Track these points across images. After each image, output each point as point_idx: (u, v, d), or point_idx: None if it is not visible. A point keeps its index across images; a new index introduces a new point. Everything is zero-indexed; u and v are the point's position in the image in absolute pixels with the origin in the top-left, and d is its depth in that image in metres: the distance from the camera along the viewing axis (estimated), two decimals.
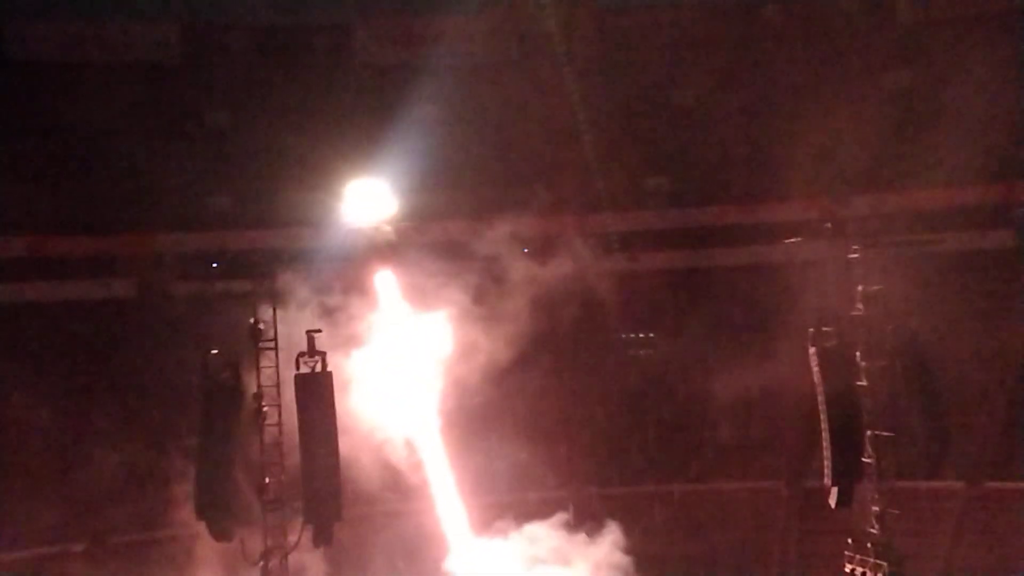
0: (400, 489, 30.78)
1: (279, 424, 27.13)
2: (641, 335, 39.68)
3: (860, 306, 28.45)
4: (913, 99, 41.99)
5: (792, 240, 35.40)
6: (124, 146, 40.67)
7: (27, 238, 38.48)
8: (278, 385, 27.13)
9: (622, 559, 31.78)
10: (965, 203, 40.33)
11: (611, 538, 31.99)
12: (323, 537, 26.77)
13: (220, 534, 27.16)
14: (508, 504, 33.03)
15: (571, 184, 41.89)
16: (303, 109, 43.06)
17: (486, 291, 33.28)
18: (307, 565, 28.44)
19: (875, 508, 28.24)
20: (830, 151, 40.48)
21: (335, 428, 26.73)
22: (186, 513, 29.74)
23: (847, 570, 28.68)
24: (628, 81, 44.99)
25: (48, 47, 43.34)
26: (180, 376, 33.87)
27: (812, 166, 39.29)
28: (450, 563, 31.42)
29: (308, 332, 27.23)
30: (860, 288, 28.50)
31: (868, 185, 39.76)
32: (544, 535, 31.73)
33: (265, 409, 27.07)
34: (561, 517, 32.26)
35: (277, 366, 27.17)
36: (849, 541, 28.71)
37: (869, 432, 28.25)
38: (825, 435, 27.99)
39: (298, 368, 26.93)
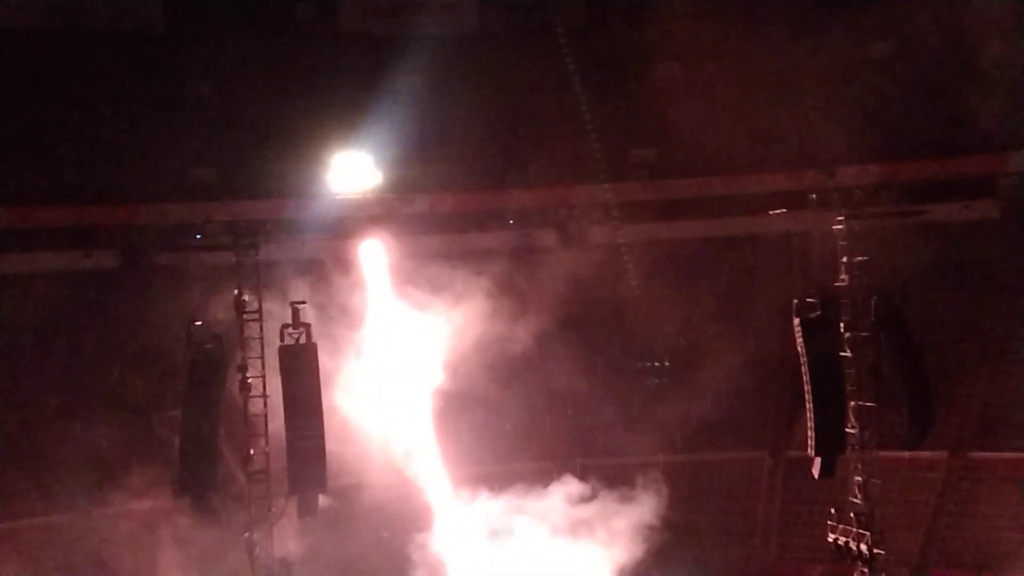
0: (385, 461, 30.84)
1: (263, 396, 27.14)
2: (627, 308, 39.63)
3: (844, 277, 28.52)
4: (897, 69, 41.90)
5: (777, 211, 35.34)
6: (107, 116, 40.43)
7: (9, 209, 38.22)
8: (262, 357, 27.12)
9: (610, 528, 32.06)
10: (949, 174, 40.34)
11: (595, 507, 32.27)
12: (308, 508, 26.82)
13: (203, 506, 27.18)
14: (493, 475, 33.11)
15: (557, 156, 41.79)
16: (288, 79, 42.79)
17: (471, 263, 33.26)
18: (292, 536, 28.46)
19: (858, 478, 28.39)
20: (815, 122, 40.48)
21: (320, 400, 26.76)
22: (170, 484, 29.81)
23: (830, 539, 28.84)
24: (614, 52, 44.80)
25: (30, 15, 42.91)
26: (163, 348, 33.86)
27: (797, 137, 39.32)
28: (433, 532, 31.58)
29: (292, 304, 27.20)
30: (844, 259, 28.55)
31: (853, 156, 39.72)
32: (527, 505, 31.93)
33: (249, 381, 27.07)
34: (545, 487, 32.49)
35: (262, 337, 27.16)
36: (832, 511, 28.85)
37: (852, 402, 28.37)
38: (809, 405, 28.10)
39: (283, 340, 26.92)
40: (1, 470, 33.32)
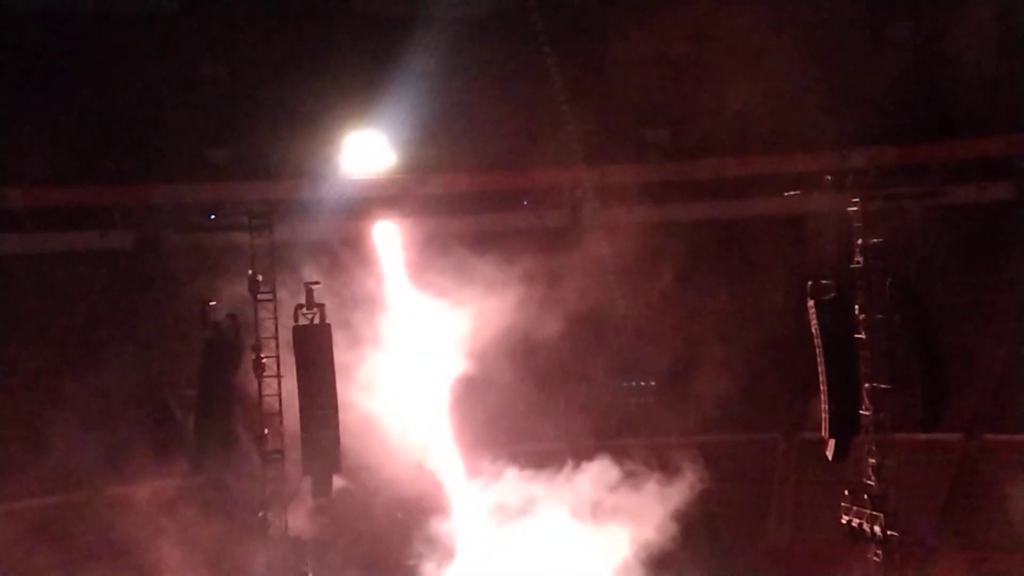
0: (399, 442, 30.85)
1: (278, 376, 27.18)
2: (639, 290, 39.59)
3: (859, 259, 28.43)
4: (913, 50, 41.73)
5: (792, 192, 35.24)
6: (122, 97, 40.48)
7: (24, 189, 38.35)
8: (276, 337, 27.16)
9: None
10: (965, 155, 40.19)
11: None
12: (322, 488, 26.87)
13: (218, 485, 27.29)
14: (506, 456, 33.13)
15: (571, 137, 41.73)
16: (302, 60, 42.80)
17: (484, 243, 33.22)
18: (306, 516, 28.54)
19: (872, 460, 28.36)
20: (831, 102, 40.34)
21: (333, 380, 26.77)
22: (186, 464, 29.90)
23: (844, 521, 28.82)
24: (629, 32, 44.67)
25: None
26: (178, 328, 33.94)
27: (812, 118, 39.19)
28: (447, 513, 31.65)
29: (306, 284, 27.23)
30: (859, 241, 28.47)
31: (868, 137, 39.60)
32: (541, 486, 31.96)
33: (264, 360, 27.12)
34: (559, 469, 32.53)
35: (276, 317, 27.19)
36: (846, 493, 28.83)
37: (867, 384, 28.32)
38: (823, 387, 28.05)
39: (296, 320, 26.95)
40: (17, 450, 33.47)
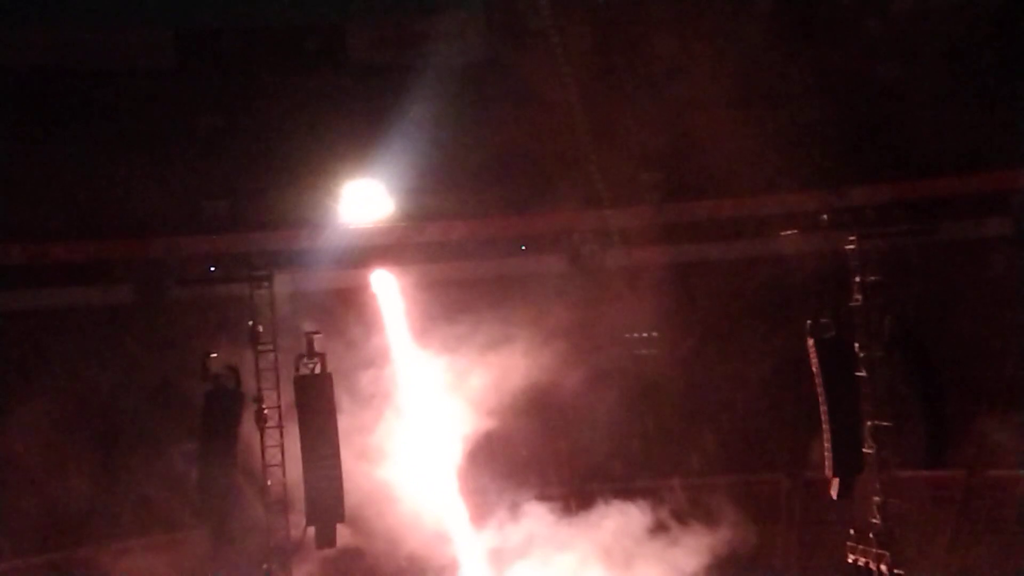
0: (401, 489, 30.81)
1: (279, 426, 27.22)
2: (640, 331, 39.62)
3: (858, 297, 28.51)
4: (904, 88, 41.94)
5: (788, 232, 35.35)
6: (119, 151, 40.64)
7: (24, 245, 38.45)
8: (278, 387, 27.24)
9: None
10: (961, 191, 40.31)
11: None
12: (326, 538, 26.85)
13: (222, 537, 27.25)
14: (508, 502, 33.07)
15: (567, 181, 41.84)
16: (298, 111, 43.04)
17: (484, 289, 33.27)
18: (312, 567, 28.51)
19: (877, 498, 28.34)
20: (825, 141, 40.52)
21: (336, 429, 26.85)
22: (188, 516, 29.85)
23: (850, 561, 28.77)
24: (622, 76, 44.95)
25: (43, 53, 43.25)
26: (180, 380, 33.93)
27: (808, 157, 39.35)
28: (453, 562, 31.56)
29: (307, 334, 27.32)
30: (857, 279, 28.55)
31: (864, 175, 39.74)
32: (543, 530, 31.89)
33: (265, 411, 27.15)
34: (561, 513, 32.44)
35: (276, 368, 27.29)
36: (851, 532, 28.77)
37: (869, 422, 28.34)
38: (825, 426, 28.06)
39: (297, 370, 27.01)
40: (18, 506, 33.36)
